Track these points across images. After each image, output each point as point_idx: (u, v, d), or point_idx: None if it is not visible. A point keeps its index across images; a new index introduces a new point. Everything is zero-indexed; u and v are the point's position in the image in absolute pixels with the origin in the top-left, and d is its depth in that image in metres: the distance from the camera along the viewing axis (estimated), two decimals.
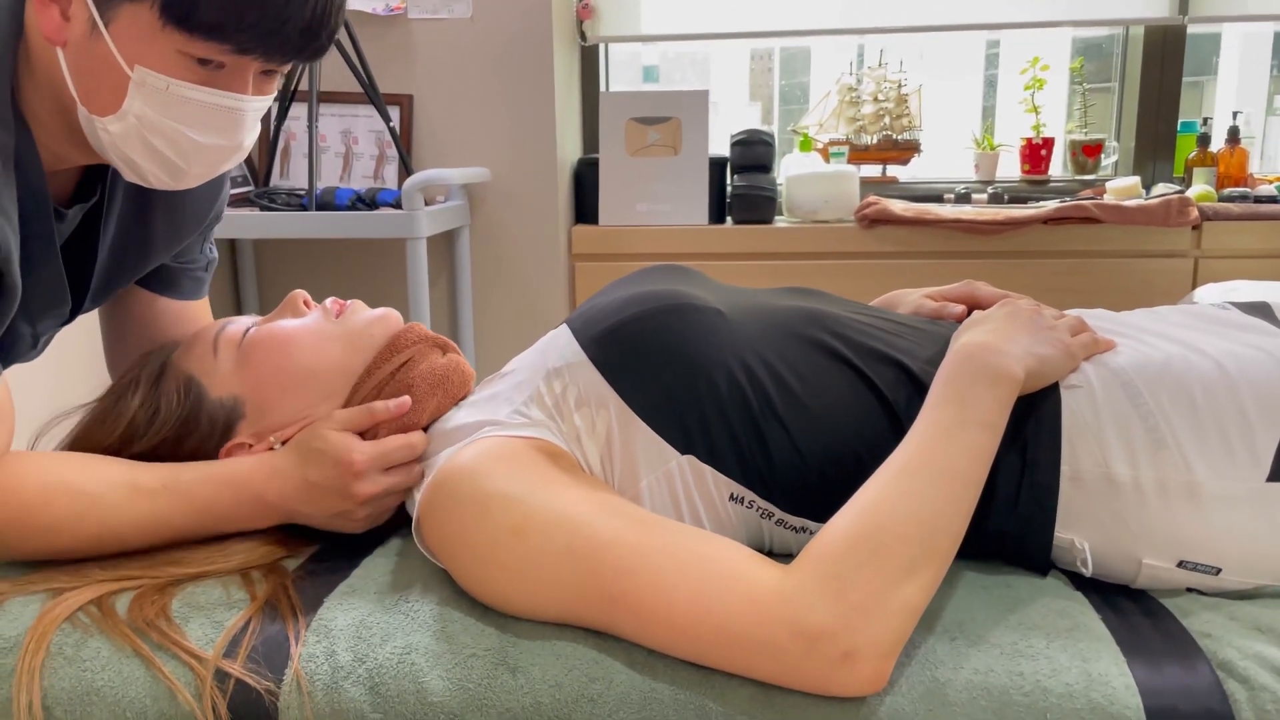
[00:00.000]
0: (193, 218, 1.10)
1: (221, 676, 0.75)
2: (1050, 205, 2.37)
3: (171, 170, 0.90)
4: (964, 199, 2.57)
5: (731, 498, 0.85)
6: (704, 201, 2.47)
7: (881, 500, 0.74)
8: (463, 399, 0.99)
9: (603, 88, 2.79)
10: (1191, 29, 2.57)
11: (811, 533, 0.86)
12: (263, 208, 2.20)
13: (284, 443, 0.94)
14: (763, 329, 0.90)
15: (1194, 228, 2.31)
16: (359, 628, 0.78)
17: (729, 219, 2.53)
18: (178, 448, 0.94)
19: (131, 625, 0.79)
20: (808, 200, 2.46)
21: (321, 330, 0.97)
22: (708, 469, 0.84)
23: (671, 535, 0.76)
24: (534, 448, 0.84)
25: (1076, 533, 0.83)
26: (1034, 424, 0.84)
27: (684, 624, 0.71)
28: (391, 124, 2.31)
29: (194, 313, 1.20)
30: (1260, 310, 0.97)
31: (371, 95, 2.26)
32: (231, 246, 2.61)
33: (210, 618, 0.80)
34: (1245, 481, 0.80)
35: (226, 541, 0.91)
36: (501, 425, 0.87)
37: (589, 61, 2.74)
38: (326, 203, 2.17)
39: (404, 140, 2.44)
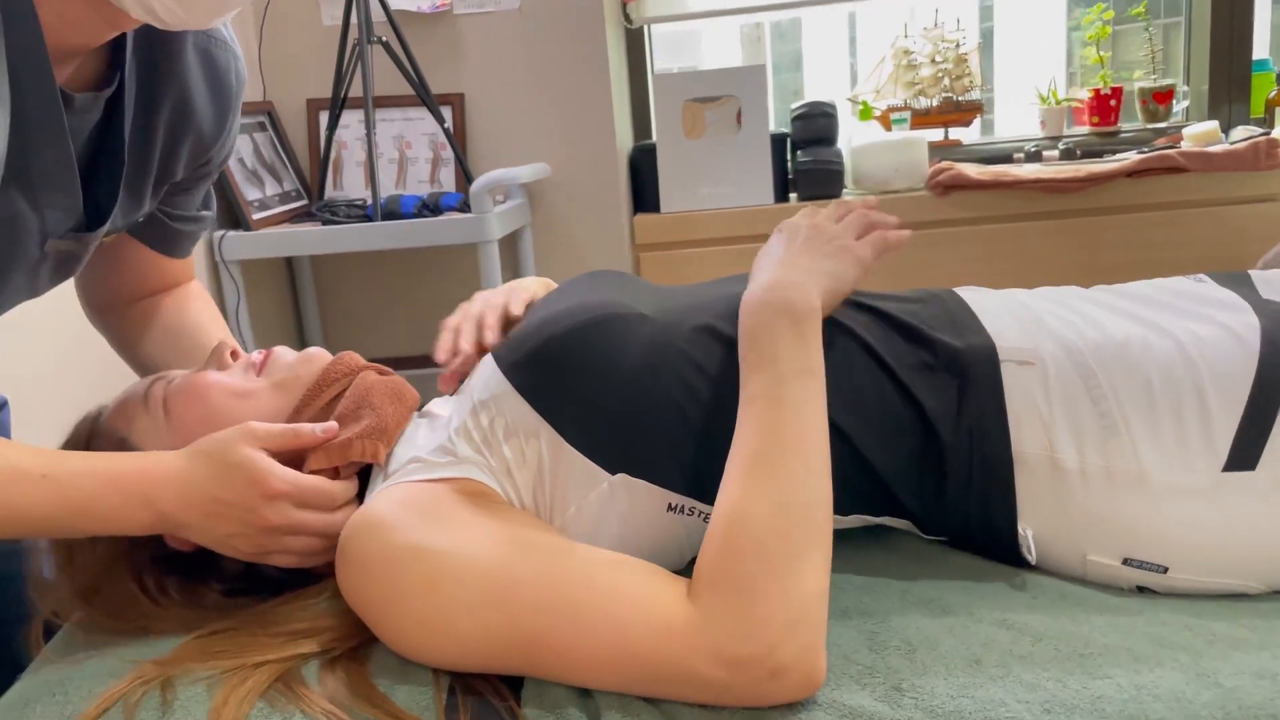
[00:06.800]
0: (196, 137, 0.99)
1: None
2: (1128, 157, 2.29)
3: None
4: (1035, 157, 2.48)
5: (670, 508, 0.81)
6: (768, 180, 2.39)
7: (744, 502, 0.71)
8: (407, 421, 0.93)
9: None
10: None
11: None
12: (325, 221, 2.13)
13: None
14: (688, 328, 0.86)
15: None
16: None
17: (793, 196, 2.45)
18: None
19: (334, 699, 0.72)
20: (876, 170, 2.38)
21: (243, 388, 0.92)
22: (641, 484, 0.80)
23: (585, 565, 0.72)
24: (454, 490, 0.80)
25: (1022, 519, 0.80)
26: (975, 404, 0.81)
27: (606, 661, 0.68)
28: (446, 125, 2.23)
29: (169, 270, 1.14)
30: (1237, 281, 0.90)
31: (424, 97, 2.19)
32: (289, 264, 2.54)
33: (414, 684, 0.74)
34: (1199, 472, 0.76)
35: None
36: (425, 465, 0.82)
37: (634, 45, 2.66)
38: (391, 211, 2.10)
39: (458, 141, 2.36)
